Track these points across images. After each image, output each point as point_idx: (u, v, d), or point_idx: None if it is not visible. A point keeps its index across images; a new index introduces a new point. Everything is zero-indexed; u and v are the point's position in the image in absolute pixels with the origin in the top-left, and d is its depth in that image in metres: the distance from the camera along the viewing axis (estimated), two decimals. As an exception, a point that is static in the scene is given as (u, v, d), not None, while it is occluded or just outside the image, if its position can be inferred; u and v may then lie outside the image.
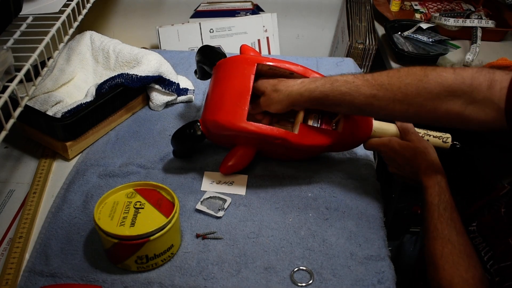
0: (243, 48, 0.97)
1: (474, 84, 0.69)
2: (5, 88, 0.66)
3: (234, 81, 0.88)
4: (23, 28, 0.80)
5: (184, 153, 0.98)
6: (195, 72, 1.04)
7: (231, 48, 1.39)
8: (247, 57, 0.90)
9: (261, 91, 0.88)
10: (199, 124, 0.91)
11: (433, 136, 0.91)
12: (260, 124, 0.86)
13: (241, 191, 0.92)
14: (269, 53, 1.51)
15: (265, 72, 0.91)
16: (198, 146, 0.96)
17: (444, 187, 0.79)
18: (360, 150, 1.01)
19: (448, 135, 0.91)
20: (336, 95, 0.79)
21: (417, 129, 0.90)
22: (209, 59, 0.96)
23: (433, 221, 0.75)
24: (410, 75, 0.74)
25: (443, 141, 0.90)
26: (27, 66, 0.71)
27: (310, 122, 0.91)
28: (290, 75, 0.90)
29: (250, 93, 0.87)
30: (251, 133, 0.86)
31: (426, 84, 0.72)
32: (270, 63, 0.89)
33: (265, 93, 0.87)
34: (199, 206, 0.88)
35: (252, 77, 0.87)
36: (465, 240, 0.73)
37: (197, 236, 0.83)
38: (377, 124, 0.91)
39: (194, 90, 1.19)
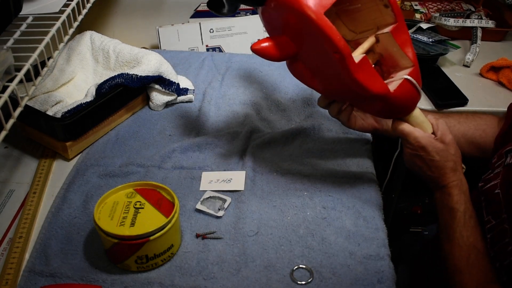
0: None
1: None
2: (5, 88, 0.66)
3: None
4: (23, 28, 0.80)
5: (222, 7, 0.81)
6: (212, 6, 0.81)
7: (231, 48, 1.39)
8: None
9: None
10: None
11: None
12: (333, 26, 0.71)
13: (239, 187, 0.92)
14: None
15: None
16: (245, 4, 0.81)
17: (468, 196, 0.80)
18: (356, 150, 1.01)
19: (464, 168, 0.86)
20: None
21: None
22: None
23: (458, 228, 0.77)
24: None
25: None
26: (27, 66, 0.71)
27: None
28: (384, 7, 0.79)
29: None
30: (318, 28, 0.71)
31: None
32: None
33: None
34: (199, 206, 0.88)
35: None
36: (485, 244, 0.76)
37: (197, 236, 0.83)
38: (418, 111, 0.83)
39: (194, 90, 1.19)
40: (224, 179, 0.93)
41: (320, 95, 0.88)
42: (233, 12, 0.81)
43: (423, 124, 0.83)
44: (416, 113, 0.82)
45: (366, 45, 0.80)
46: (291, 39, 0.77)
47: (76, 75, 1.15)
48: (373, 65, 0.81)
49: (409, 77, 0.78)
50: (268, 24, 0.82)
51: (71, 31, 0.87)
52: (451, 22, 1.33)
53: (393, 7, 0.78)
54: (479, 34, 1.34)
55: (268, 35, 0.82)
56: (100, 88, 1.04)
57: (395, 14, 0.79)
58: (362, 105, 0.84)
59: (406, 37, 0.80)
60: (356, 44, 0.83)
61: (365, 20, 0.83)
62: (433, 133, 0.83)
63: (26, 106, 0.96)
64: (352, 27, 0.86)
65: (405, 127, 0.82)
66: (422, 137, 0.80)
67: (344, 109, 0.87)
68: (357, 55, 0.77)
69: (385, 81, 0.80)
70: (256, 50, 0.77)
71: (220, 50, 1.39)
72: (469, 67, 1.27)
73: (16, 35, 0.77)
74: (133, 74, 1.05)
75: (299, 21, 0.73)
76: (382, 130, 0.94)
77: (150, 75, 1.07)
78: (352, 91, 0.77)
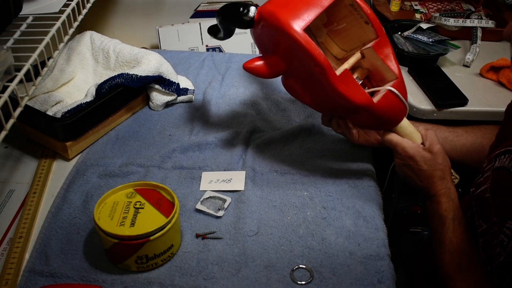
0: None
1: None
2: (5, 88, 0.66)
3: None
4: (23, 28, 0.80)
5: (218, 32, 0.91)
6: (211, 32, 0.93)
7: (231, 48, 1.39)
8: None
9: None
10: (255, 8, 0.83)
11: None
12: (313, 42, 0.78)
13: (239, 187, 0.92)
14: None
15: (338, 9, 0.86)
16: (237, 28, 0.89)
17: (457, 203, 0.81)
18: (356, 150, 1.01)
19: (458, 177, 0.89)
20: None
21: None
22: (241, 16, 0.84)
23: (448, 235, 0.78)
24: None
25: None
26: (27, 66, 0.71)
27: (355, 75, 0.86)
28: (365, 24, 0.85)
29: (323, 11, 0.80)
30: (298, 45, 0.77)
31: None
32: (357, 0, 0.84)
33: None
34: (199, 206, 0.88)
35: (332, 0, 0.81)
36: (476, 248, 0.77)
37: (197, 236, 0.83)
38: (406, 122, 0.86)
39: (194, 90, 1.19)
40: (224, 179, 0.93)
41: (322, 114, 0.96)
42: (229, 36, 0.90)
43: (411, 134, 0.86)
44: (404, 124, 0.86)
45: (351, 60, 0.86)
46: (280, 57, 0.83)
47: (76, 75, 1.15)
48: (362, 79, 0.87)
49: (391, 88, 0.83)
50: (259, 43, 0.89)
51: (71, 31, 0.88)
52: (451, 22, 1.33)
53: (372, 23, 0.84)
54: (479, 34, 1.33)
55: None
56: (100, 88, 1.04)
57: (376, 30, 0.84)
58: (352, 117, 0.89)
59: (389, 51, 0.85)
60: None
61: (352, 38, 0.90)
62: (423, 143, 0.85)
63: (26, 106, 0.96)
64: (342, 45, 0.92)
65: (394, 137, 0.86)
66: (410, 147, 0.84)
67: (341, 124, 0.93)
68: (342, 69, 0.82)
69: (373, 93, 0.85)
70: (248, 68, 0.85)
71: (220, 50, 1.39)
72: (469, 67, 1.27)
73: (16, 35, 0.77)
74: (133, 74, 1.05)
75: (283, 39, 0.79)
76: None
77: (150, 75, 1.07)
78: (338, 104, 0.82)
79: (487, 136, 0.93)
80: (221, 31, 0.89)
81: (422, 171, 0.83)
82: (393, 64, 0.85)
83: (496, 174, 0.75)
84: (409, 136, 0.86)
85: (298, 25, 0.77)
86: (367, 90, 0.85)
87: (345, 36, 0.90)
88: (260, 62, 0.85)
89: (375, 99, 0.83)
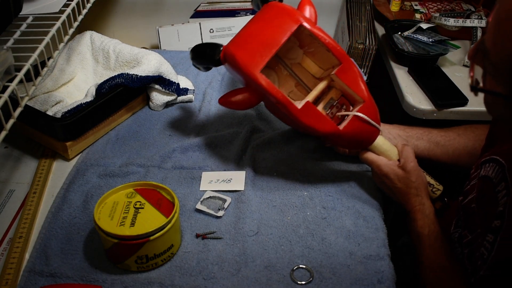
0: (302, 2, 0.92)
1: None
2: (5, 88, 0.66)
3: (272, 29, 0.85)
4: (23, 28, 0.80)
5: (198, 66, 0.97)
6: (195, 66, 0.98)
7: (231, 48, 1.39)
8: (296, 14, 0.86)
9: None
10: (221, 49, 0.88)
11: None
12: (270, 82, 0.83)
13: (239, 187, 0.92)
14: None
15: (303, 37, 0.89)
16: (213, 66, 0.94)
17: (433, 218, 0.82)
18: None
19: (441, 188, 0.91)
20: None
21: None
22: (208, 57, 0.92)
23: (425, 250, 0.80)
24: None
25: (431, 191, 0.90)
26: (27, 66, 0.71)
27: (322, 104, 0.88)
28: (327, 51, 0.87)
29: (278, 49, 0.84)
30: (257, 85, 0.83)
31: None
32: (313, 30, 0.85)
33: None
34: (199, 206, 0.88)
35: (289, 35, 0.84)
36: (455, 261, 0.77)
37: (197, 236, 0.83)
38: (380, 141, 0.89)
39: (194, 90, 1.19)
40: (224, 179, 0.93)
41: None
42: (208, 69, 0.97)
43: (387, 152, 0.89)
44: (379, 142, 0.89)
45: (320, 86, 0.89)
46: (253, 91, 0.87)
47: (76, 75, 1.15)
48: (339, 99, 0.90)
49: (357, 113, 0.86)
50: (233, 76, 0.95)
51: (71, 31, 0.88)
52: (451, 22, 1.33)
53: (332, 51, 0.86)
54: (479, 34, 1.33)
55: None
56: (100, 88, 1.04)
57: (337, 57, 0.86)
58: (327, 140, 0.93)
59: (355, 76, 0.87)
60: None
61: (323, 61, 0.93)
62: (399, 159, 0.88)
63: (26, 106, 0.96)
64: (319, 64, 0.95)
65: (369, 156, 0.89)
66: (384, 165, 0.87)
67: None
68: (310, 98, 0.86)
69: (343, 117, 0.88)
70: (223, 103, 0.92)
71: (220, 50, 1.39)
72: (469, 67, 1.27)
73: (16, 35, 0.78)
74: (133, 74, 1.05)
75: (245, 77, 0.84)
76: None
77: (150, 75, 1.07)
78: (308, 131, 0.86)
79: (479, 138, 0.93)
80: (200, 68, 0.96)
81: (396, 188, 0.87)
82: (359, 88, 0.87)
83: (481, 183, 0.75)
84: (385, 153, 0.89)
85: (256, 65, 0.82)
86: (338, 114, 0.88)
87: (318, 58, 0.94)
88: (233, 99, 0.90)
89: (342, 125, 0.86)
